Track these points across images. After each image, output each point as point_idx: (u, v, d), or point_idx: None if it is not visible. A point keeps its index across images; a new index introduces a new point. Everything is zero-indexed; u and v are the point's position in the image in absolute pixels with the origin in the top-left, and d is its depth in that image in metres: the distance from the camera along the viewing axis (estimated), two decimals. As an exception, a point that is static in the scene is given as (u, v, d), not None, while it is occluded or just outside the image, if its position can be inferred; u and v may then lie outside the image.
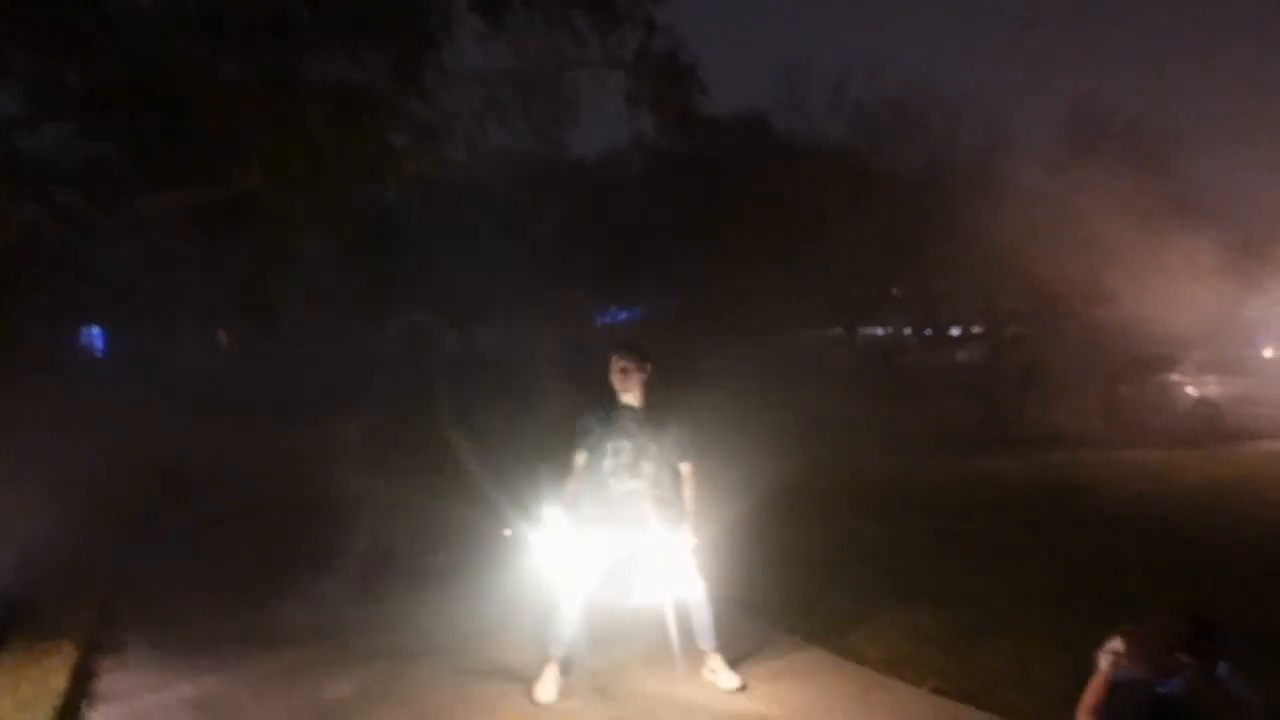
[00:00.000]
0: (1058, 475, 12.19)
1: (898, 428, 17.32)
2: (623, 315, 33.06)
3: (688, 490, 5.28)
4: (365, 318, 23.64)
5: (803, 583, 7.12)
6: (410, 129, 8.63)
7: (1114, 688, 3.31)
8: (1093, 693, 3.35)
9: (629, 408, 5.19)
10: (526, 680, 5.35)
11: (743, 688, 5.24)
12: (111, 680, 5.66)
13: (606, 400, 5.24)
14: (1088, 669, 3.43)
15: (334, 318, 23.51)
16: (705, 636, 5.32)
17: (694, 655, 5.37)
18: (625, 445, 5.15)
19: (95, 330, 33.59)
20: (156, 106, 8.43)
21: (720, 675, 5.31)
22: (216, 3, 7.95)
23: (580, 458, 5.23)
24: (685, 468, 5.28)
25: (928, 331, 29.52)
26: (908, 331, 30.78)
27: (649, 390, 5.24)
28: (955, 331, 28.90)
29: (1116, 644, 3.35)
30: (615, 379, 5.18)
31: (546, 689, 5.20)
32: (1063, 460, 13.60)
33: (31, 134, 9.18)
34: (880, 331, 32.74)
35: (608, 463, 5.16)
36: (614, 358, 5.19)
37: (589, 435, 5.21)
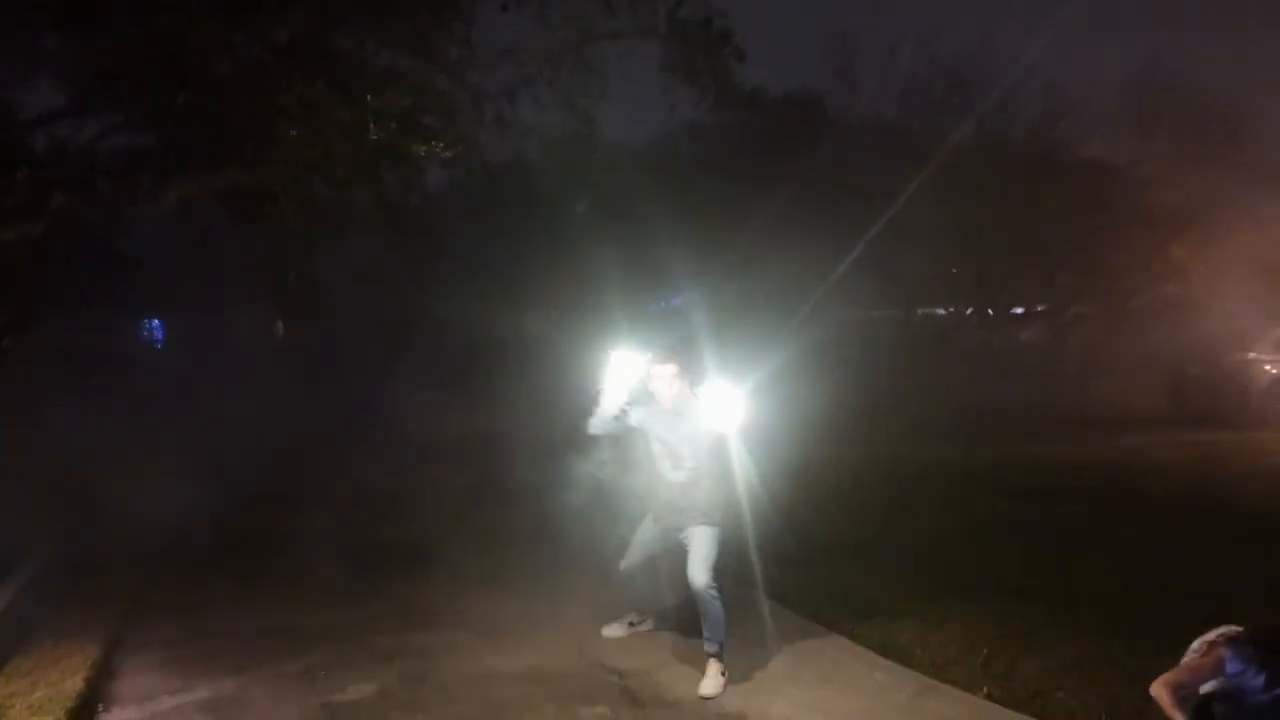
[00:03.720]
0: (1123, 459, 11.64)
1: (954, 410, 16.76)
2: (676, 300, 32.68)
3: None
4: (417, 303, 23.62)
5: (848, 576, 6.77)
6: (438, 107, 8.41)
7: (1211, 695, 3.14)
8: (1179, 671, 3.18)
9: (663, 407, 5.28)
10: (553, 681, 5.10)
11: (705, 699, 4.93)
12: (132, 681, 5.50)
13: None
14: (1152, 673, 3.11)
15: (383, 304, 23.52)
16: (708, 638, 5.12)
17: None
18: (664, 439, 5.24)
19: (155, 323, 34.12)
20: (187, 89, 8.33)
21: (705, 679, 5.04)
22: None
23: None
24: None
25: (989, 311, 28.71)
26: (969, 311, 29.97)
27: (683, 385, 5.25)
28: (1018, 311, 28.04)
29: (1220, 639, 3.18)
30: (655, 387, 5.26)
31: (711, 683, 5.06)
32: (1129, 444, 12.99)
33: (75, 125, 9.19)
34: (940, 312, 31.95)
35: (655, 448, 5.29)
36: (653, 366, 5.27)
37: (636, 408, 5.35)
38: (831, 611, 6.05)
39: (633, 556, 5.51)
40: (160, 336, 33.92)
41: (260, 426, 13.16)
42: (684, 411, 5.19)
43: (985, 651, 5.22)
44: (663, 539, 5.36)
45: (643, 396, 5.33)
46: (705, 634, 5.08)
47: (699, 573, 5.06)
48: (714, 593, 5.06)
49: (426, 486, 9.78)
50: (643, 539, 5.45)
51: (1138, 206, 21.40)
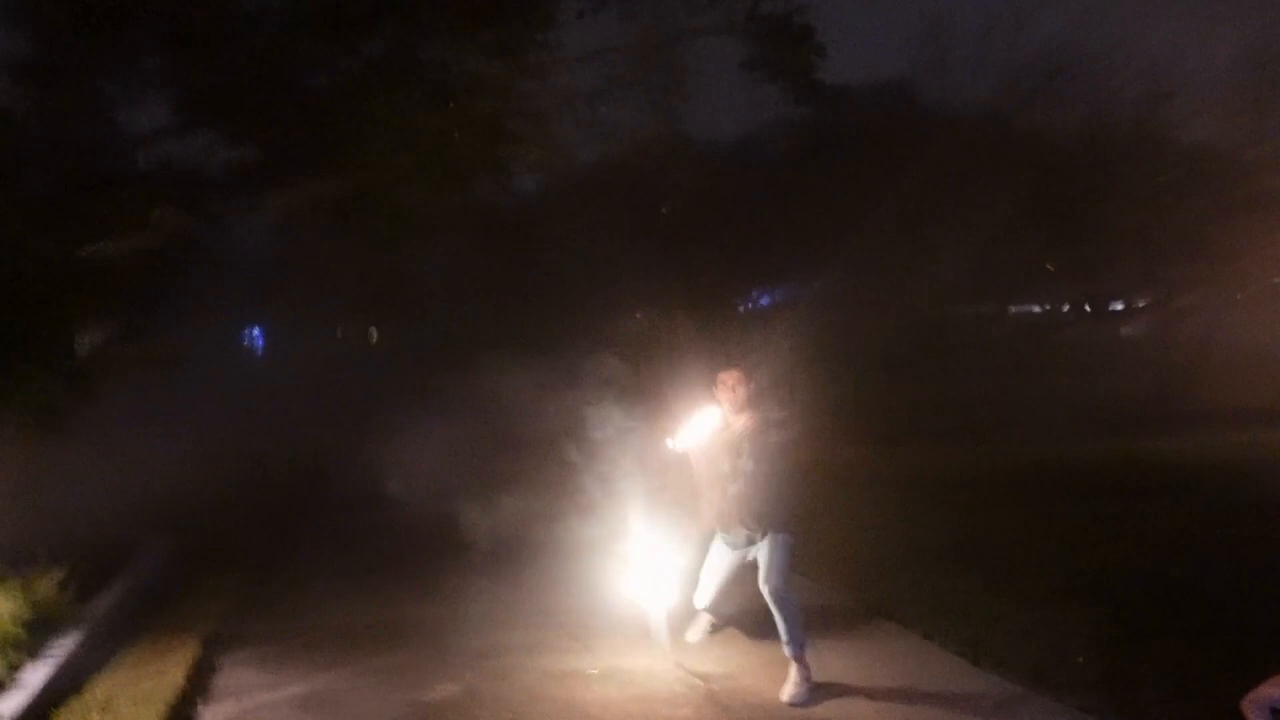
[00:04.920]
0: (1234, 457, 11.14)
1: (1055, 408, 16.26)
2: (766, 300, 32.44)
3: None
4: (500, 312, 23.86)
5: (939, 578, 6.62)
6: (525, 111, 8.50)
7: None
8: (1269, 685, 2.94)
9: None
10: (636, 683, 5.10)
11: (790, 704, 4.84)
12: (229, 675, 5.68)
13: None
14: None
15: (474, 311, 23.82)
16: (786, 642, 5.02)
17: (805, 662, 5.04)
18: (730, 449, 5.14)
19: (256, 331, 35.20)
20: (284, 102, 8.58)
21: (788, 684, 4.95)
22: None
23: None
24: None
25: (1086, 306, 27.77)
26: (1066, 307, 29.04)
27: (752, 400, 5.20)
28: (1117, 306, 27.07)
29: None
30: (720, 394, 5.21)
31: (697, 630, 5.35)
32: (1240, 440, 12.44)
33: (179, 141, 9.55)
34: (1036, 309, 31.05)
35: (720, 464, 5.17)
36: (720, 375, 5.24)
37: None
38: (924, 617, 5.91)
39: (707, 590, 5.40)
40: (260, 344, 35.05)
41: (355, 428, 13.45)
42: (746, 421, 5.15)
43: (1081, 660, 5.03)
44: (736, 560, 5.27)
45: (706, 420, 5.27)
46: (784, 638, 5.00)
47: (773, 578, 5.01)
48: (788, 597, 5.00)
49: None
50: (714, 567, 5.34)
51: (1249, 191, 20.46)
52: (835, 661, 5.31)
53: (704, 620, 5.77)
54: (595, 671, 5.39)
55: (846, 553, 7.31)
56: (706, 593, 5.41)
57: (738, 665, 5.37)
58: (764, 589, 5.03)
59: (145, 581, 7.02)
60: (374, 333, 34.76)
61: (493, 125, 8.21)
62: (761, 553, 5.09)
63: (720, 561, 5.32)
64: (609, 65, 8.42)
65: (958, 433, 12.80)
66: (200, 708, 5.21)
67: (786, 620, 4.99)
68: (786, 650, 4.98)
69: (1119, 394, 17.60)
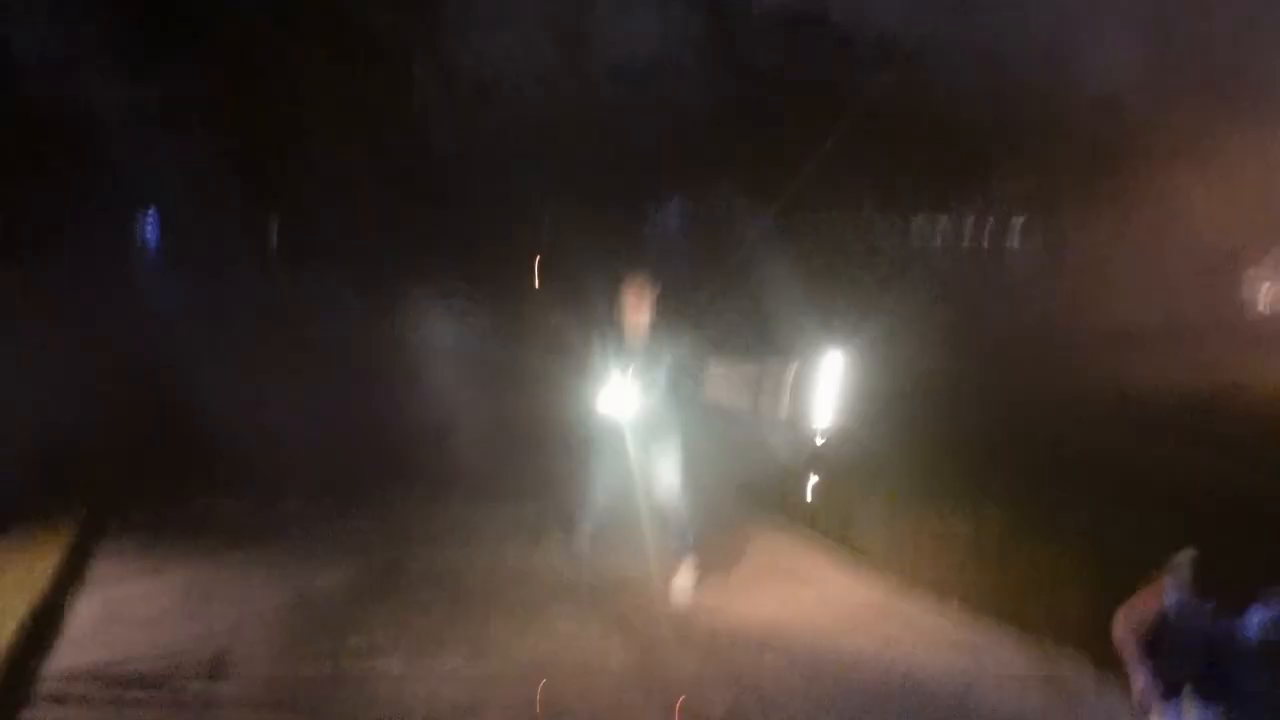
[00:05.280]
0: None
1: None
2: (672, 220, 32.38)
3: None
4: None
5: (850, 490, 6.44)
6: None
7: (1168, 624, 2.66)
8: (1142, 597, 2.69)
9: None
10: (529, 583, 5.12)
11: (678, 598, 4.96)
12: (106, 563, 5.49)
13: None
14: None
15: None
16: (676, 535, 5.09)
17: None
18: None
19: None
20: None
21: (677, 578, 5.04)
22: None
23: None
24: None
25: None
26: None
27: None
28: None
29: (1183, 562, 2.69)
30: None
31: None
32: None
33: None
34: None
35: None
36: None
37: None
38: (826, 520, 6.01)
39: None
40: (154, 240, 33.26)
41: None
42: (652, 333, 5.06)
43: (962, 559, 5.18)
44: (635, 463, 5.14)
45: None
46: (674, 534, 5.07)
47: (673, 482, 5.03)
48: (683, 500, 5.05)
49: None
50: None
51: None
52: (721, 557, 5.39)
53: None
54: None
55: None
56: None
57: (631, 561, 5.29)
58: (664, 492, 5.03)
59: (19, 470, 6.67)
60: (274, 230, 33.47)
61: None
62: (662, 459, 5.03)
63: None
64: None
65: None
66: (70, 598, 4.98)
67: (679, 517, 5.04)
68: (675, 544, 5.05)
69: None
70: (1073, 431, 7.79)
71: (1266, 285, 15.54)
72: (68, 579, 5.13)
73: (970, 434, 7.27)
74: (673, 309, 5.21)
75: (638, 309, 4.97)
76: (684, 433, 5.05)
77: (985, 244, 26.95)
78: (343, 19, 8.27)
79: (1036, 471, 6.30)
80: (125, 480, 6.91)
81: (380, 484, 7.05)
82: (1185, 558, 2.66)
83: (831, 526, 5.90)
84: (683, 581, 5.01)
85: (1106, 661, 3.35)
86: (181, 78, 9.99)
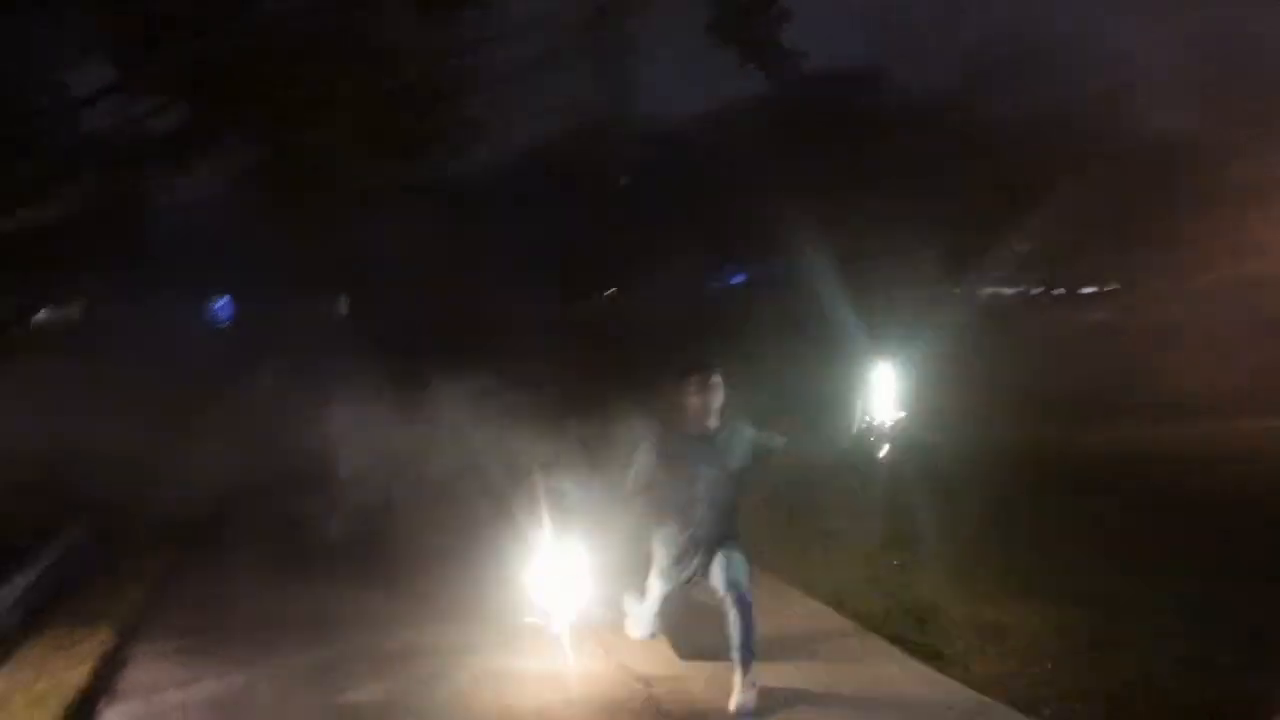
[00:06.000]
0: (1199, 448, 10.93)
1: (1018, 394, 16.03)
2: (737, 279, 32.17)
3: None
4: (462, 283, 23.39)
5: (896, 575, 6.32)
6: (459, 78, 8.08)
7: None
8: None
9: (705, 432, 4.67)
10: (575, 687, 4.75)
11: (735, 714, 4.45)
12: (140, 671, 5.28)
13: (674, 425, 4.72)
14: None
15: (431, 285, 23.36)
16: (737, 646, 4.57)
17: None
18: (704, 473, 4.64)
19: (223, 300, 34.47)
20: (213, 67, 8.14)
21: (736, 693, 4.51)
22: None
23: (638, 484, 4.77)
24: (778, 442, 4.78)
25: (1058, 290, 27.76)
26: (1036, 291, 29.01)
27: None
28: (1088, 290, 27.07)
29: None
30: (696, 401, 4.63)
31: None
32: (1206, 431, 12.25)
33: (108, 107, 9.09)
34: (1006, 291, 31.03)
35: (683, 494, 4.68)
36: (695, 376, 4.63)
37: (654, 462, 4.73)
38: (877, 615, 5.62)
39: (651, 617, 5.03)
40: (226, 315, 34.29)
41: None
42: (723, 427, 4.72)
43: (1050, 666, 4.75)
44: (687, 577, 4.80)
45: (663, 445, 4.75)
46: (735, 642, 4.57)
47: (743, 580, 4.61)
48: (752, 601, 4.61)
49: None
50: (660, 595, 4.90)
51: (1217, 178, 20.34)
52: (784, 667, 4.98)
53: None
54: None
55: (797, 546, 7.02)
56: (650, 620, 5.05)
57: (683, 667, 5.01)
58: (728, 592, 4.57)
59: (56, 570, 6.57)
60: (344, 303, 34.19)
61: (426, 92, 7.79)
62: (723, 559, 4.66)
63: (666, 588, 4.88)
64: (550, 34, 7.97)
65: (921, 418, 12.41)
66: (103, 707, 4.83)
67: (744, 624, 4.55)
68: (735, 655, 4.56)
69: (1085, 380, 17.40)
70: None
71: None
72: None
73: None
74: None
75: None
76: None
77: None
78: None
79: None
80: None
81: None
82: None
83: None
84: None
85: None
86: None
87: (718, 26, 7.12)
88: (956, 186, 21.12)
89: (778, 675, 4.75)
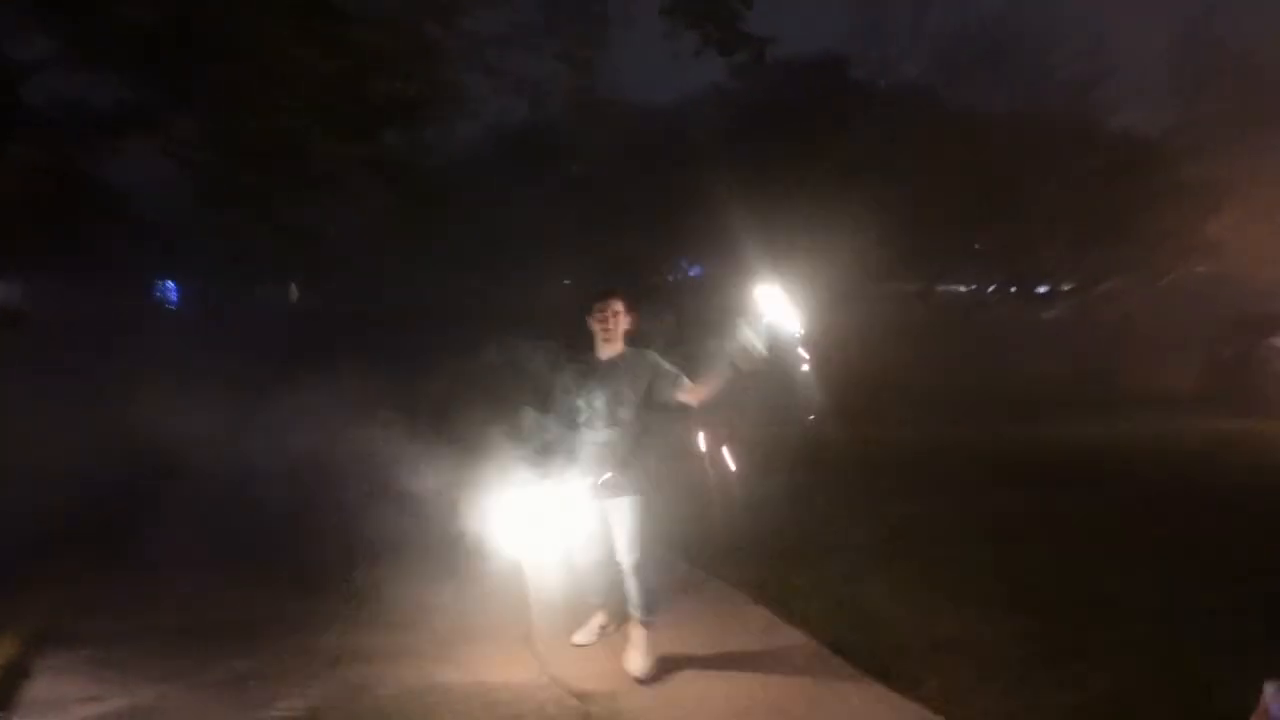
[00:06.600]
0: (1153, 446, 10.92)
1: (974, 392, 16.03)
2: (695, 270, 31.96)
3: (710, 387, 4.66)
4: (418, 269, 22.99)
5: (841, 579, 6.11)
6: (425, 53, 7.76)
7: None
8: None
9: (604, 359, 4.80)
10: (504, 702, 4.50)
11: (641, 680, 4.58)
12: (43, 685, 4.92)
13: (583, 349, 4.87)
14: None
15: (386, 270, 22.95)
16: (638, 606, 4.74)
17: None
18: (601, 393, 4.71)
19: (169, 284, 33.75)
20: (167, 37, 7.78)
21: (632, 655, 4.68)
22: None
23: (553, 407, 4.86)
24: (688, 385, 4.72)
25: (1013, 288, 27.85)
26: (991, 288, 29.12)
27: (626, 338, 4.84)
28: (1043, 289, 27.19)
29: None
30: (599, 325, 4.77)
31: (639, 661, 4.74)
32: (1159, 429, 12.27)
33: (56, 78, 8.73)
34: (963, 288, 31.12)
35: (582, 413, 4.76)
36: (600, 300, 4.74)
37: (563, 384, 4.84)
38: (825, 623, 5.39)
39: (593, 541, 4.92)
40: (174, 298, 33.55)
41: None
42: (626, 358, 4.76)
43: (1004, 678, 4.55)
44: (604, 514, 4.82)
45: (570, 369, 4.87)
46: (635, 602, 4.71)
47: (627, 551, 4.65)
48: (647, 570, 4.69)
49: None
50: (593, 517, 4.86)
51: (1174, 178, 20.46)
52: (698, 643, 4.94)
53: (596, 621, 5.21)
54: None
55: (741, 537, 6.83)
56: (592, 545, 4.91)
57: (622, 681, 4.75)
58: (621, 562, 4.68)
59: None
60: (294, 290, 33.57)
61: (389, 66, 7.46)
62: (619, 516, 4.68)
63: (595, 523, 4.84)
64: (517, 10, 7.71)
65: (872, 413, 12.37)
66: (0, 724, 4.49)
67: (642, 590, 4.68)
68: (636, 614, 4.68)
69: (1039, 377, 17.46)
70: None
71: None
72: None
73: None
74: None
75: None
76: None
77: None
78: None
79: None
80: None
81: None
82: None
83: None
84: None
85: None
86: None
87: (674, 8, 6.85)
88: (917, 180, 21.05)
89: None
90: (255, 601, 6.01)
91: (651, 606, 4.75)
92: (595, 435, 4.70)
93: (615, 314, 4.74)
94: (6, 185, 8.69)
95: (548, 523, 4.77)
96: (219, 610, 5.87)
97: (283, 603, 5.97)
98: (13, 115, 8.47)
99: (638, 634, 4.76)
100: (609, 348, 4.79)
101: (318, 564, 6.53)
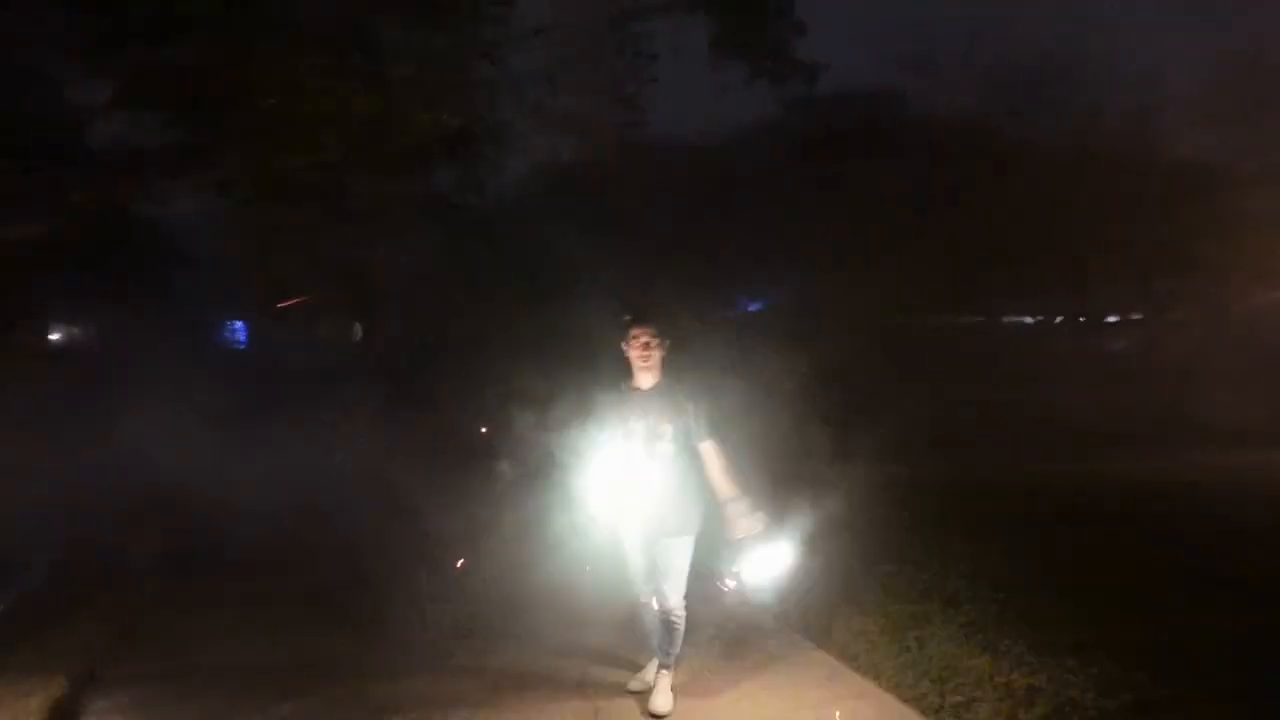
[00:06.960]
0: (1224, 481, 10.43)
1: (1039, 424, 15.56)
2: (754, 307, 31.74)
3: (713, 472, 4.52)
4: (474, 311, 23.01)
5: (900, 617, 5.82)
6: (469, 89, 7.73)
7: None
8: None
9: (642, 389, 4.65)
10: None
11: (655, 716, 4.48)
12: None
13: (620, 379, 4.73)
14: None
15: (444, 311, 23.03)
16: (660, 649, 4.67)
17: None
18: (639, 426, 4.55)
19: (238, 324, 34.37)
20: (215, 80, 7.87)
21: (656, 694, 4.56)
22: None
23: (590, 440, 4.69)
24: (706, 447, 4.53)
25: (1081, 319, 27.19)
26: (1059, 319, 28.49)
27: (665, 369, 4.68)
28: (1112, 318, 26.51)
29: None
30: (633, 354, 4.62)
31: (664, 699, 4.61)
32: (1229, 463, 11.75)
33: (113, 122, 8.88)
34: (1029, 319, 30.52)
35: (620, 444, 4.61)
36: (632, 330, 4.60)
37: (600, 415, 4.68)
38: (893, 671, 5.13)
39: (639, 581, 4.79)
40: (243, 339, 34.14)
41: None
42: (663, 389, 4.60)
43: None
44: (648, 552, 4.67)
45: (605, 399, 4.72)
46: (659, 646, 4.63)
47: (670, 592, 4.51)
48: (680, 616, 4.56)
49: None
50: (637, 557, 4.74)
51: (1241, 206, 19.85)
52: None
53: (652, 667, 4.99)
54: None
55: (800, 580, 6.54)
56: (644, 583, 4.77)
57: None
58: (660, 602, 4.56)
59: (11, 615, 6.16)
60: (358, 329, 33.94)
61: (434, 104, 7.44)
62: (663, 556, 4.53)
63: (640, 561, 4.72)
64: (562, 44, 7.65)
65: (937, 448, 12.03)
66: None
67: (671, 632, 4.57)
68: (658, 656, 4.63)
69: (1106, 409, 16.93)
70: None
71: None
72: None
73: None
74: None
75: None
76: None
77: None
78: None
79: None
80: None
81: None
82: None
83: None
84: None
85: None
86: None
87: (725, 38, 6.73)
88: (978, 211, 20.69)
89: None
90: (304, 646, 5.90)
91: (671, 650, 4.66)
92: (635, 469, 4.56)
93: (651, 342, 4.59)
94: (68, 231, 8.83)
95: (598, 563, 4.65)
96: (272, 654, 5.79)
97: (332, 646, 5.85)
98: (75, 160, 8.65)
99: (661, 678, 4.68)
100: (647, 377, 4.64)
101: (368, 608, 6.39)
